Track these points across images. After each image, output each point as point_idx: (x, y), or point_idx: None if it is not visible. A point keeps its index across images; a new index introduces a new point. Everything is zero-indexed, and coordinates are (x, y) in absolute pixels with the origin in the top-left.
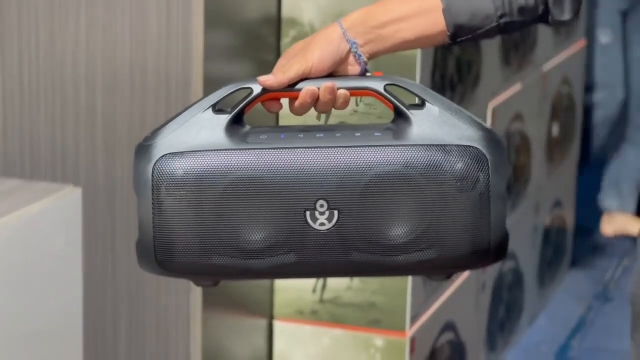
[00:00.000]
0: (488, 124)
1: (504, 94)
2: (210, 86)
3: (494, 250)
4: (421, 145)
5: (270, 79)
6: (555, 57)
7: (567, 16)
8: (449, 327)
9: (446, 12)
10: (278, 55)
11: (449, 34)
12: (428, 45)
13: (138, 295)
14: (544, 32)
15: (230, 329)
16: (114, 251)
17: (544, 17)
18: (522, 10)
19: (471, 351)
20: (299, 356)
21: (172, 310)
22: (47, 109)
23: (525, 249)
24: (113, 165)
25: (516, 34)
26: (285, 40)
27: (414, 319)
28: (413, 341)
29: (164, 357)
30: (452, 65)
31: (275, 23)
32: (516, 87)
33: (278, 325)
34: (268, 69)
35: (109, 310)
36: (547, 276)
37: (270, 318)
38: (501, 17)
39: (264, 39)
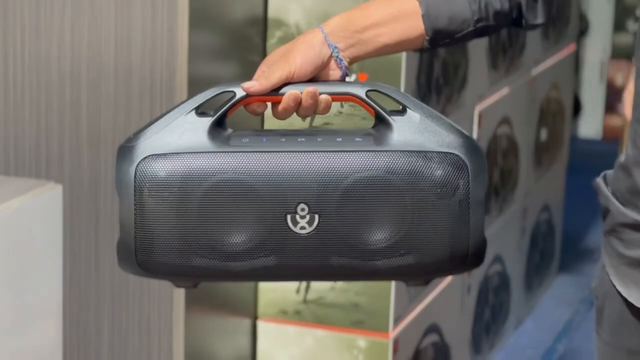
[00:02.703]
0: (474, 127)
1: (491, 98)
2: (194, 86)
3: (472, 256)
4: (402, 151)
5: (254, 85)
6: (544, 62)
7: (539, 20)
8: (433, 329)
9: (425, 17)
10: (264, 55)
11: (427, 38)
12: (407, 49)
13: (121, 294)
14: (532, 36)
15: (213, 329)
16: (97, 248)
17: (518, 21)
18: (497, 14)
19: (456, 353)
20: (282, 356)
21: (154, 309)
22: (32, 106)
23: (512, 253)
24: (97, 162)
25: (504, 38)
26: (271, 41)
27: (397, 320)
28: (396, 342)
29: (146, 357)
30: (438, 67)
31: (261, 23)
32: (503, 91)
33: (261, 325)
34: (253, 69)
35: (91, 308)
36: (534, 280)
37: (254, 318)
38: (478, 21)
39: (250, 40)
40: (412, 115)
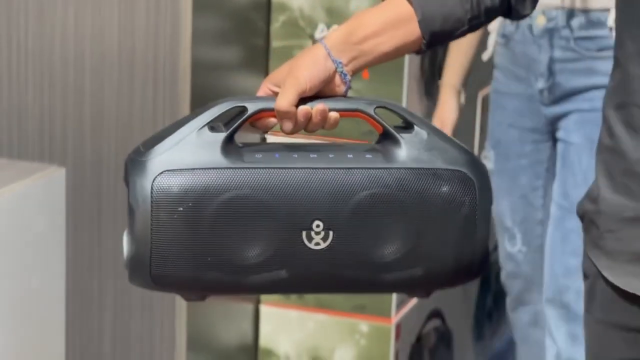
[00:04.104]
0: (478, 112)
1: None
2: (198, 70)
3: (476, 268)
4: (411, 168)
5: (289, 125)
6: None
7: (527, 11)
8: (436, 314)
9: (421, 22)
10: (267, 40)
11: (424, 41)
12: (405, 53)
13: (124, 277)
14: None
15: (216, 313)
16: (100, 231)
17: (507, 13)
18: (488, 10)
19: (458, 339)
20: (285, 340)
21: (157, 293)
22: (35, 90)
23: None
24: (100, 146)
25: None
26: (274, 25)
27: (399, 305)
28: (398, 327)
29: (148, 341)
30: (441, 53)
31: (265, 7)
32: None
33: (264, 309)
34: (257, 54)
35: (94, 291)
36: None
37: (256, 302)
38: (471, 19)
39: (254, 23)
40: (419, 132)
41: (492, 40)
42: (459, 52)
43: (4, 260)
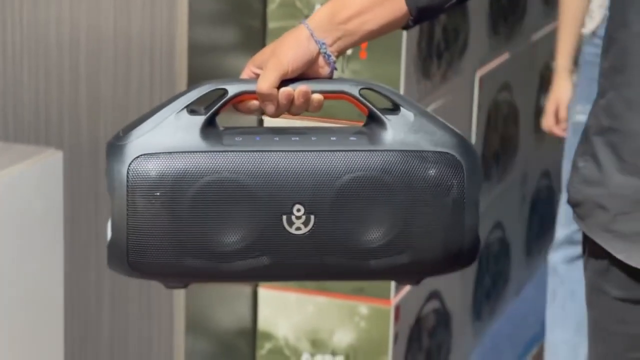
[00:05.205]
0: (475, 92)
1: (491, 63)
2: (194, 51)
3: (465, 256)
4: (397, 150)
5: (272, 108)
6: (545, 27)
7: None
8: (434, 295)
9: None
10: (264, 21)
11: (412, 17)
12: (391, 30)
13: None
14: (533, 2)
15: (214, 296)
16: (97, 214)
17: None
18: None
19: (457, 320)
20: (283, 323)
21: None
22: (31, 73)
23: (512, 219)
24: (96, 128)
25: (505, 3)
26: (271, 6)
27: (398, 287)
28: (397, 309)
29: (147, 324)
30: (439, 32)
31: None
32: (504, 56)
33: (262, 292)
34: (253, 35)
35: (92, 273)
36: (534, 247)
37: (255, 285)
38: None
39: (250, 4)
40: (406, 114)
41: (600, 14)
42: (568, 35)
43: (1, 245)
